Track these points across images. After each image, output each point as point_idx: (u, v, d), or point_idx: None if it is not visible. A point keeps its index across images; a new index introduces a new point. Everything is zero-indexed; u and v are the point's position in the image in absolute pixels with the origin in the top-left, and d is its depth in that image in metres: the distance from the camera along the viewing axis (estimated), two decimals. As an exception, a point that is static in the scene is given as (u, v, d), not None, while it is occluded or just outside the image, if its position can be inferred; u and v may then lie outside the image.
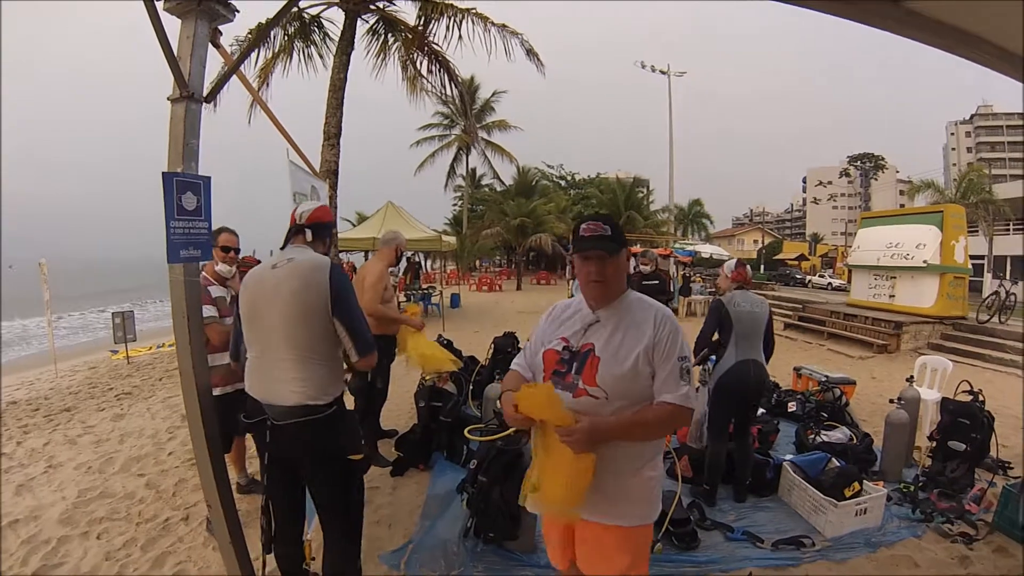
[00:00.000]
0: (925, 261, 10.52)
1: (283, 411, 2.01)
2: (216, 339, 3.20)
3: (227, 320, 3.26)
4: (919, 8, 2.08)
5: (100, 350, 11.07)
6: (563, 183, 41.95)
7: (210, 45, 2.11)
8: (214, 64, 2.25)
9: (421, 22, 9.67)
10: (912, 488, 3.79)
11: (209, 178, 2.01)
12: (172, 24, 1.99)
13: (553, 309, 1.87)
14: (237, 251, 3.39)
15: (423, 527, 3.31)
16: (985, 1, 1.96)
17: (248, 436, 3.93)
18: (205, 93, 2.05)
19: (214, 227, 3.30)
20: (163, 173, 1.86)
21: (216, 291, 3.25)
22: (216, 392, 3.22)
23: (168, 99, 1.96)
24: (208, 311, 3.14)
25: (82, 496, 3.82)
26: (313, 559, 2.38)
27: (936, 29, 2.21)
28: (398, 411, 5.64)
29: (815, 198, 76.85)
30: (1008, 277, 12.39)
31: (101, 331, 16.36)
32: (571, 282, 17.68)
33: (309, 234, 2.19)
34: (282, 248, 2.21)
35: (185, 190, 1.91)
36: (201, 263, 2.14)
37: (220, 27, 2.19)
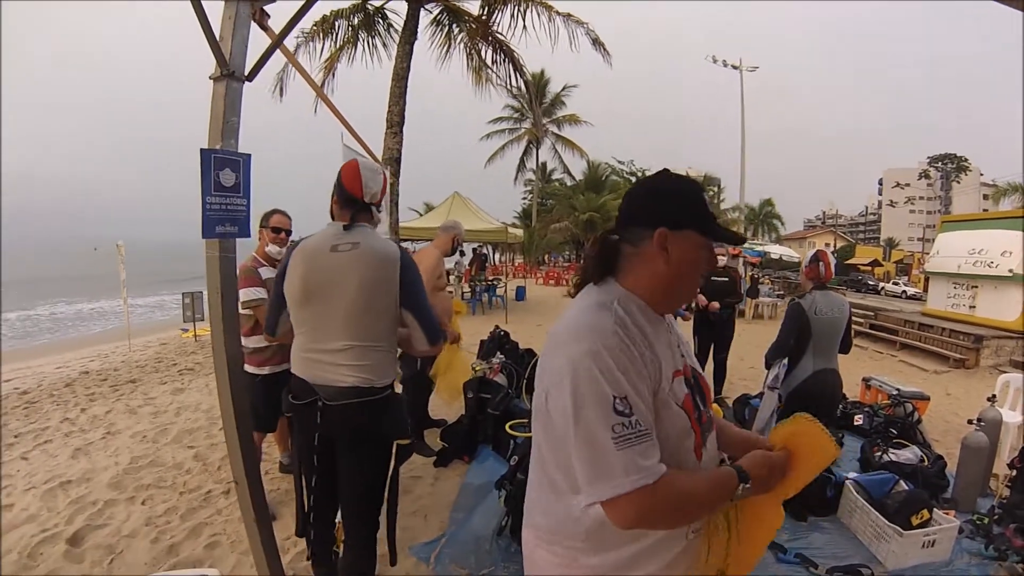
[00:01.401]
0: (1011, 270, 9.73)
1: (336, 392, 1.98)
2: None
3: None
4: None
5: (173, 328, 11.69)
6: (633, 179, 41.36)
7: (255, 25, 2.11)
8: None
9: (485, 12, 9.61)
10: (987, 521, 3.44)
11: (249, 156, 1.99)
12: (216, 7, 1.99)
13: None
14: (289, 233, 3.40)
15: (456, 520, 3.26)
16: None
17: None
18: (247, 72, 2.03)
19: (267, 209, 3.37)
20: (201, 149, 1.86)
21: (267, 273, 3.27)
22: (265, 371, 3.29)
23: (209, 78, 1.96)
24: (258, 293, 3.17)
25: (134, 463, 4.00)
26: (344, 542, 2.35)
27: None
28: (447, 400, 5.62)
29: (891, 201, 72.99)
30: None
31: (175, 310, 17.29)
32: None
33: (376, 214, 2.14)
34: (344, 227, 2.01)
35: (223, 167, 1.89)
36: (240, 244, 2.11)
37: (267, 8, 2.18)
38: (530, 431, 3.40)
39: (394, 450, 2.14)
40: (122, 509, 3.32)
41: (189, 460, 4.07)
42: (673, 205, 1.11)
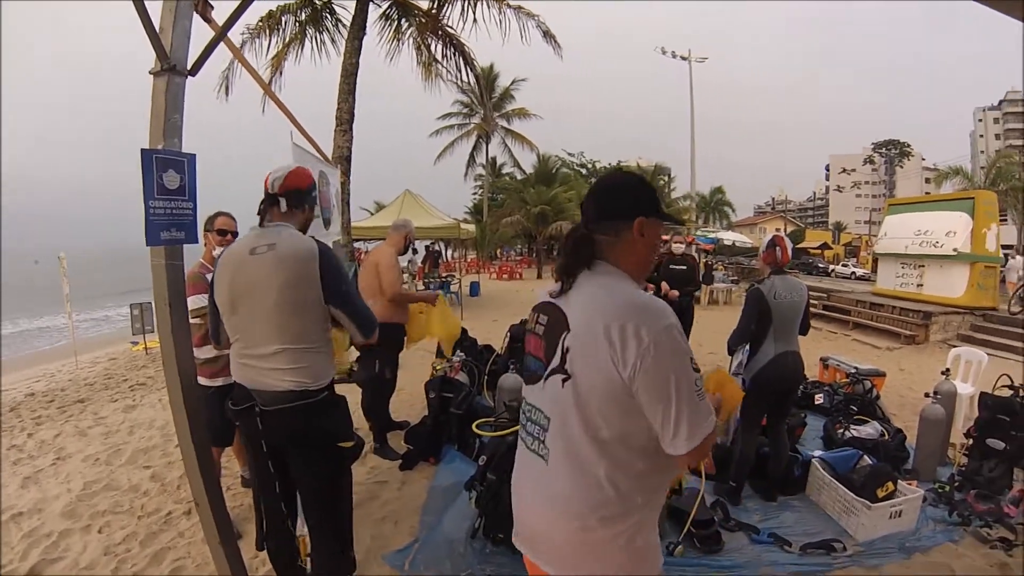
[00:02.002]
0: (955, 249, 10.18)
1: (273, 396, 1.92)
2: None
3: None
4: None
5: (122, 341, 11.18)
6: (584, 171, 41.66)
7: (198, 17, 1.99)
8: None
9: (435, 5, 9.50)
10: (948, 488, 3.57)
11: (194, 156, 1.87)
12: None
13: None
14: (235, 235, 3.25)
15: (427, 524, 3.18)
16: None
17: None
18: (190, 65, 1.91)
19: (212, 212, 3.22)
20: (142, 150, 1.74)
21: None
22: (219, 383, 3.14)
23: (150, 72, 1.84)
24: (206, 300, 3.02)
25: (87, 488, 3.77)
26: (309, 555, 2.26)
27: None
28: (411, 401, 5.53)
29: (838, 186, 75.65)
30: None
31: (123, 323, 16.57)
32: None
33: (284, 204, 2.01)
34: (260, 224, 2.04)
35: (167, 168, 1.77)
36: (184, 247, 1.99)
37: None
38: (496, 429, 3.37)
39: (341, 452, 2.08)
40: (78, 539, 3.12)
41: (146, 481, 3.86)
42: (644, 197, 1.30)
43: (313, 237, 1.99)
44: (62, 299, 9.19)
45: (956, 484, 3.63)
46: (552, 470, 1.23)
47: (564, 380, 1.19)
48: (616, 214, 1.29)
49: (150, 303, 9.79)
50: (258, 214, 2.06)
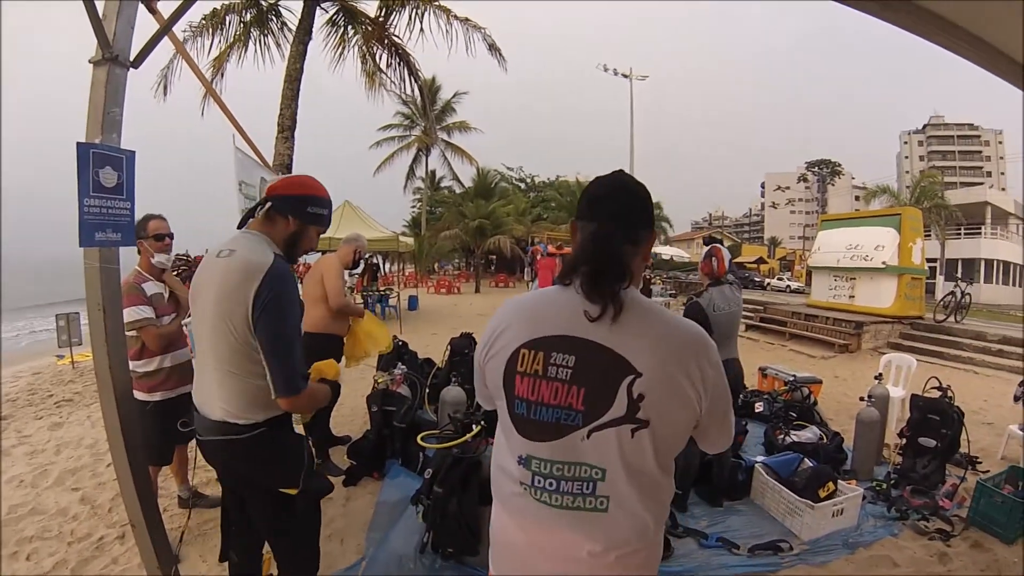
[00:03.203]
0: (884, 262, 10.76)
1: (207, 425, 1.72)
2: (153, 343, 2.90)
3: (164, 319, 2.98)
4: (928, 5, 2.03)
5: (46, 355, 10.47)
6: (522, 185, 42.01)
7: (142, 6, 1.90)
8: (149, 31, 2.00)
9: (382, 13, 9.44)
10: (885, 486, 3.74)
11: (133, 152, 1.77)
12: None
13: None
14: (171, 237, 3.07)
15: (374, 541, 3.09)
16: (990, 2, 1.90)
17: (190, 445, 3.67)
18: (132, 57, 1.82)
19: (140, 215, 3.03)
20: (78, 143, 1.62)
21: (151, 288, 2.94)
22: (157, 397, 2.98)
23: (89, 61, 1.73)
24: (143, 312, 2.84)
25: (12, 512, 3.48)
26: (272, 575, 2.17)
27: (916, 13, 2.15)
28: (352, 415, 5.40)
29: (773, 203, 79.03)
30: (961, 278, 12.77)
31: (46, 335, 15.52)
32: (530, 284, 17.57)
33: (266, 209, 1.74)
34: (238, 226, 1.79)
35: (104, 164, 1.67)
36: (118, 252, 1.87)
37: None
38: (441, 442, 3.31)
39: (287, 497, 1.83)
40: (4, 567, 2.88)
41: (75, 504, 3.61)
42: (652, 207, 1.23)
43: (278, 256, 1.70)
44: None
45: (892, 481, 3.82)
46: (613, 516, 1.12)
47: (635, 430, 1.07)
48: (645, 222, 1.19)
49: (77, 314, 9.27)
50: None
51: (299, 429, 2.05)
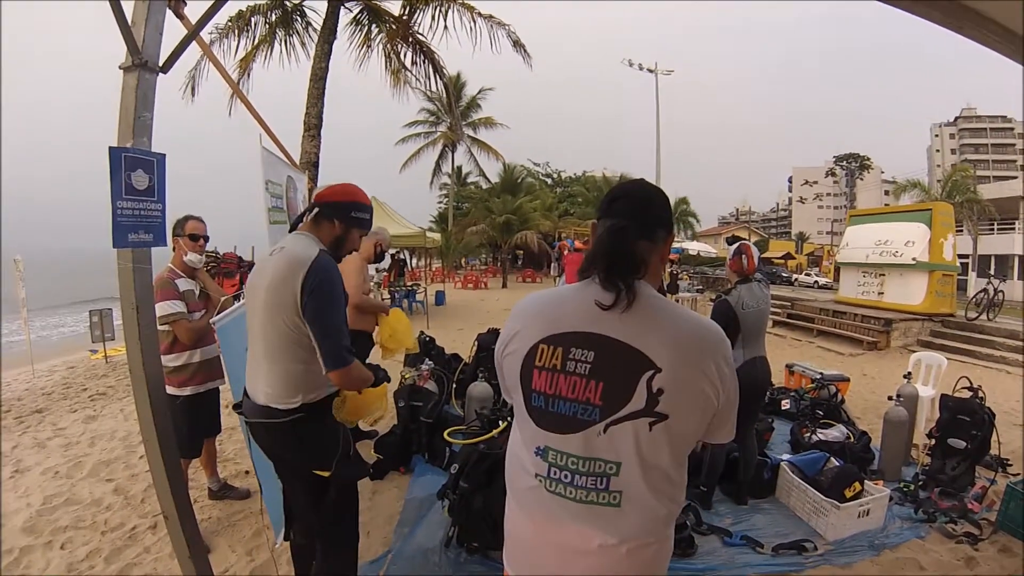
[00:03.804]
0: (914, 258, 10.50)
1: (252, 408, 1.88)
2: (185, 337, 3.01)
3: (195, 315, 3.07)
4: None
5: (80, 349, 10.77)
6: (549, 180, 41.92)
7: (170, 13, 1.95)
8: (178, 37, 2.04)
9: (406, 12, 9.47)
10: (913, 487, 3.68)
11: (163, 155, 1.82)
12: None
13: None
14: (207, 239, 3.19)
15: (401, 535, 3.14)
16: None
17: (218, 439, 3.76)
18: (161, 62, 1.86)
19: (179, 216, 3.14)
20: (110, 148, 1.68)
21: (184, 284, 3.05)
22: (187, 392, 3.08)
23: (120, 67, 1.78)
24: (176, 307, 2.95)
25: (47, 503, 3.61)
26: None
27: (946, 8, 2.10)
28: (379, 411, 5.44)
29: (801, 197, 77.66)
30: (994, 275, 12.42)
31: (81, 330, 15.95)
32: (557, 279, 17.52)
33: (315, 214, 1.94)
34: (290, 229, 2.01)
35: (135, 167, 1.72)
36: (153, 251, 1.93)
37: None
38: (467, 437, 3.34)
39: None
40: (40, 556, 2.98)
41: (109, 495, 3.72)
42: (670, 211, 1.28)
43: (323, 251, 1.86)
44: (17, 304, 8.82)
45: (920, 483, 3.75)
46: (625, 511, 1.14)
47: (653, 423, 1.10)
48: (662, 222, 1.24)
49: (110, 309, 9.51)
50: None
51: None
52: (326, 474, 1.90)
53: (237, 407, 1.96)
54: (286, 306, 1.76)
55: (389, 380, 2.21)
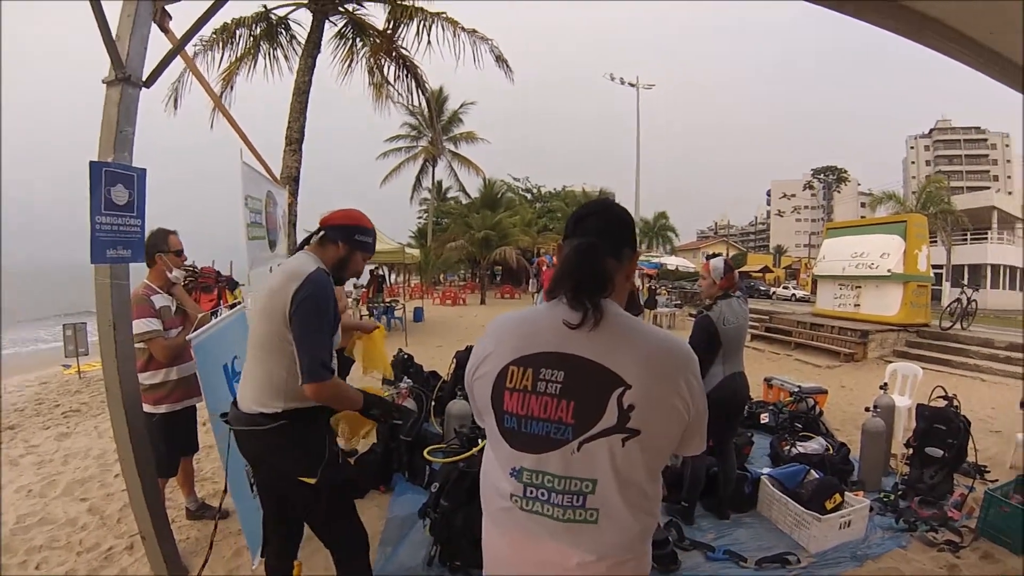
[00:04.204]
0: (890, 270, 10.73)
1: (238, 416, 1.89)
2: (161, 355, 2.93)
3: (171, 332, 3.01)
4: (926, 9, 2.05)
5: (54, 364, 10.53)
6: (529, 196, 42.14)
7: (155, 27, 1.93)
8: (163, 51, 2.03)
9: (390, 26, 9.50)
10: (893, 497, 3.73)
11: (144, 170, 1.80)
12: (114, 4, 1.80)
13: None
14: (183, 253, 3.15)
15: (384, 554, 3.10)
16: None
17: (195, 458, 3.68)
18: (145, 77, 1.85)
19: (151, 228, 3.06)
20: (91, 162, 1.66)
21: (160, 300, 2.98)
22: (163, 410, 3.01)
23: (103, 81, 1.76)
24: (151, 324, 2.87)
25: (20, 522, 3.51)
26: None
27: (914, 21, 2.17)
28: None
29: (779, 211, 78.95)
30: (967, 284, 12.70)
31: (53, 344, 15.59)
32: (536, 295, 17.54)
33: (321, 236, 2.03)
34: (296, 249, 2.08)
35: (115, 182, 1.70)
36: (128, 269, 1.90)
37: (169, 8, 2.01)
38: (447, 455, 3.32)
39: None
40: (14, 577, 2.91)
41: (84, 514, 3.63)
42: (634, 229, 1.30)
43: (322, 269, 1.92)
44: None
45: (900, 492, 3.81)
46: (602, 528, 1.15)
47: (625, 439, 1.11)
48: (627, 241, 1.26)
49: (84, 323, 9.33)
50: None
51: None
52: (312, 481, 1.90)
53: (224, 416, 1.96)
54: (276, 313, 1.82)
55: (384, 421, 2.24)
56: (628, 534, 1.16)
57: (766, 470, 3.88)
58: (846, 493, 3.43)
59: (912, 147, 64.71)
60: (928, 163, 61.38)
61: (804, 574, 2.95)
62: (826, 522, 3.15)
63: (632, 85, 26.42)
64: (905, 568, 3.01)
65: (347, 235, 2.03)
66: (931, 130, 63.88)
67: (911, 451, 4.08)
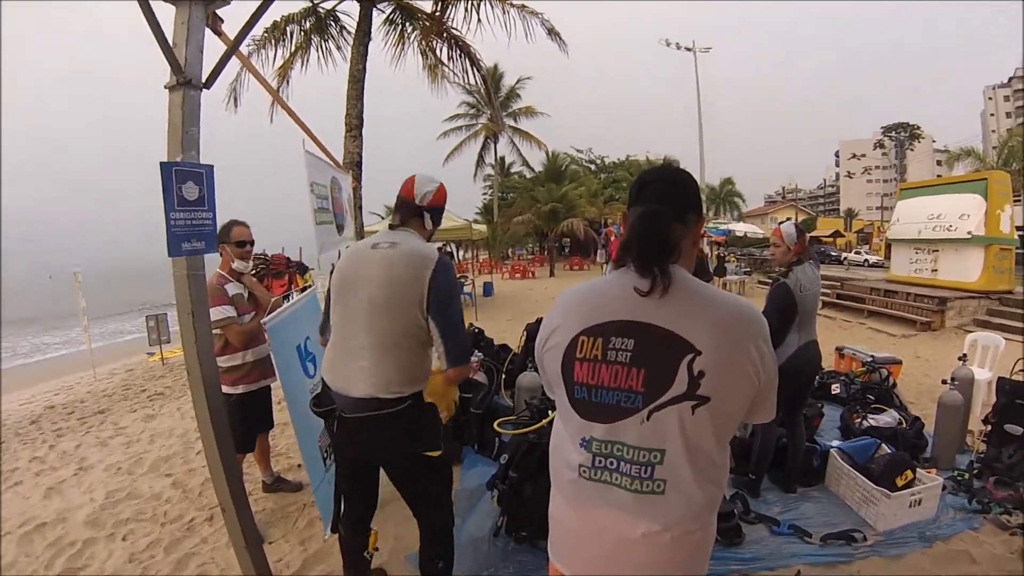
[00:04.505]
0: (969, 232, 10.02)
1: (352, 403, 1.89)
2: (236, 339, 3.14)
3: (245, 318, 3.19)
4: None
5: (137, 353, 11.33)
6: (593, 167, 41.69)
7: (208, 31, 2.02)
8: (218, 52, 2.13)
9: (438, 8, 9.51)
10: (967, 476, 3.55)
11: (211, 167, 1.91)
12: (167, 13, 1.90)
13: None
14: (252, 244, 3.29)
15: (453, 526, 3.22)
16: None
17: (271, 434, 3.90)
18: (204, 78, 1.95)
19: (222, 220, 3.24)
20: (161, 163, 1.77)
21: (233, 288, 3.17)
22: (239, 390, 3.20)
23: (165, 87, 1.87)
24: (226, 311, 3.06)
25: (110, 497, 3.84)
26: (376, 549, 2.38)
27: None
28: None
29: (849, 172, 75.07)
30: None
31: (136, 335, 16.71)
32: (605, 266, 17.36)
33: (428, 219, 2.08)
34: (391, 227, 2.06)
35: (186, 180, 1.81)
36: (206, 258, 2.02)
37: (219, 12, 2.09)
38: (517, 427, 3.38)
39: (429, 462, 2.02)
40: (102, 547, 3.18)
41: (168, 489, 3.93)
42: (699, 194, 1.29)
43: (441, 252, 2.02)
44: (77, 313, 9.32)
45: (975, 471, 3.61)
46: (669, 498, 1.15)
47: (695, 406, 1.11)
48: (692, 205, 1.25)
49: (165, 314, 9.96)
50: (392, 217, 2.12)
51: None
52: (437, 453, 1.99)
53: (314, 407, 2.00)
54: (410, 302, 1.85)
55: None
56: (695, 505, 1.16)
57: (835, 443, 3.77)
58: (918, 470, 3.29)
59: (991, 98, 59.98)
60: (1008, 115, 56.80)
61: (870, 553, 2.86)
62: (896, 499, 3.04)
63: (688, 49, 25.60)
64: (975, 551, 2.87)
65: (440, 215, 2.14)
66: (1010, 79, 58.83)
67: (989, 428, 3.86)
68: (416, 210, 2.04)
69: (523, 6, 9.75)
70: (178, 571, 2.89)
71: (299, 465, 4.12)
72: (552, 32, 10.51)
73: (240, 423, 3.14)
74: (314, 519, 3.30)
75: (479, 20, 9.38)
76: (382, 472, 2.15)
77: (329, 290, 2.04)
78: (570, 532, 1.27)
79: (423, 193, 2.03)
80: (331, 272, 2.06)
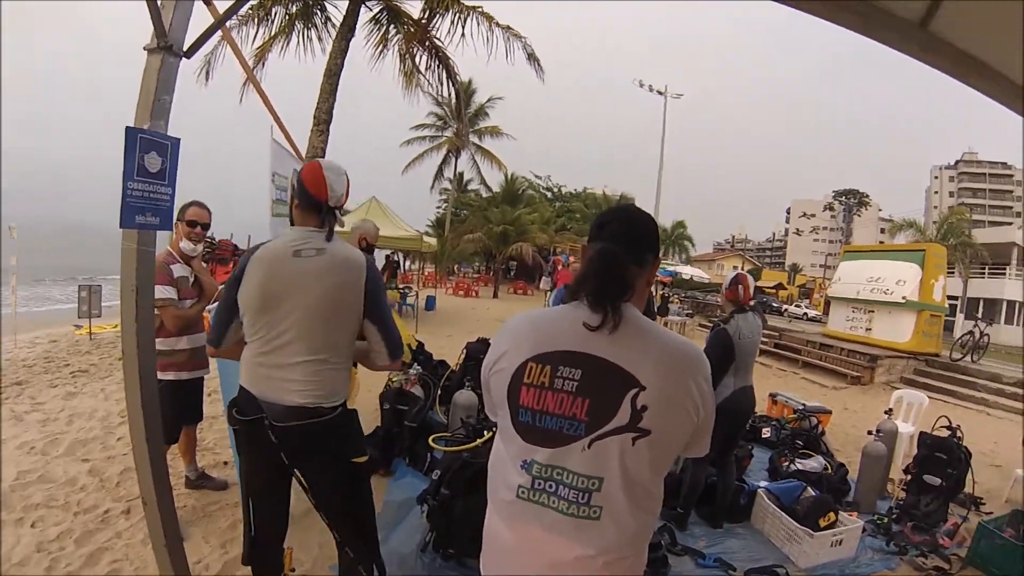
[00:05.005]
0: (904, 297, 10.66)
1: (284, 411, 1.80)
2: (171, 323, 2.98)
3: (186, 303, 3.05)
4: (942, 34, 2.05)
5: (64, 323, 10.64)
6: (549, 194, 42.16)
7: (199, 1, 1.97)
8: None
9: (425, 15, 9.55)
10: (886, 520, 3.73)
11: (178, 140, 1.83)
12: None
13: None
14: (205, 227, 3.15)
15: (379, 538, 3.14)
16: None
17: (198, 427, 3.71)
18: (186, 47, 1.88)
19: (182, 201, 3.10)
20: (127, 128, 1.69)
21: (179, 270, 3.02)
22: (169, 376, 3.03)
23: (144, 48, 1.79)
24: (167, 292, 2.91)
25: (20, 479, 3.55)
26: (293, 570, 2.21)
27: (956, 58, 2.18)
28: (362, 411, 5.44)
29: (797, 229, 78.42)
30: (981, 318, 12.59)
31: (66, 304, 15.78)
32: (548, 293, 17.54)
33: (335, 218, 1.92)
34: (302, 227, 1.88)
35: (149, 149, 1.73)
36: (159, 235, 1.93)
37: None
38: (450, 445, 3.35)
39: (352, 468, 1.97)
40: (10, 532, 2.93)
41: (83, 475, 3.67)
42: (657, 236, 1.34)
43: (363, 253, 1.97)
44: (7, 273, 8.69)
45: (894, 516, 3.81)
46: (604, 525, 1.16)
47: (636, 438, 1.14)
48: (650, 247, 1.30)
49: (100, 286, 9.43)
50: (291, 219, 1.95)
51: None
52: (364, 459, 1.98)
53: (237, 415, 1.85)
54: (350, 311, 1.85)
55: None
56: (628, 532, 1.18)
57: (763, 483, 3.90)
58: (840, 512, 3.45)
59: (936, 177, 63.97)
60: (952, 194, 60.67)
61: (792, 588, 2.96)
62: (818, 539, 3.16)
63: (660, 93, 26.39)
64: (892, 590, 3.01)
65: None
66: (957, 161, 63.10)
67: (909, 477, 4.08)
68: (330, 211, 1.90)
69: (508, 27, 9.89)
70: (88, 566, 2.69)
71: (226, 462, 3.96)
72: (531, 57, 10.70)
73: (168, 412, 2.98)
74: (237, 520, 3.14)
75: (463, 34, 9.47)
76: (294, 486, 2.03)
77: (236, 299, 1.82)
78: (504, 551, 1.27)
79: (339, 195, 1.90)
80: (237, 278, 1.82)
